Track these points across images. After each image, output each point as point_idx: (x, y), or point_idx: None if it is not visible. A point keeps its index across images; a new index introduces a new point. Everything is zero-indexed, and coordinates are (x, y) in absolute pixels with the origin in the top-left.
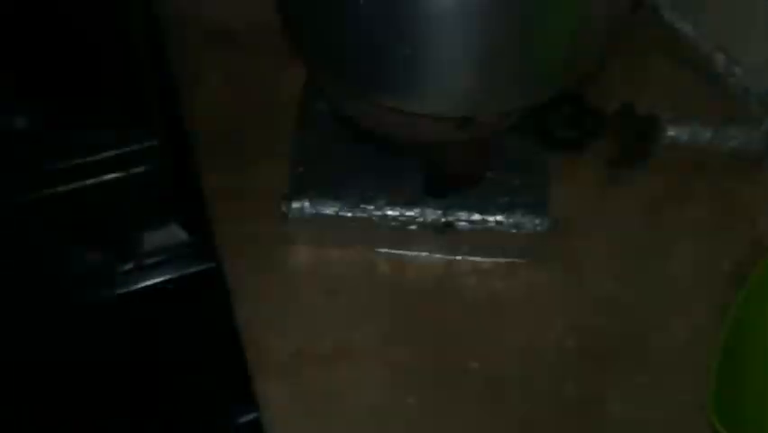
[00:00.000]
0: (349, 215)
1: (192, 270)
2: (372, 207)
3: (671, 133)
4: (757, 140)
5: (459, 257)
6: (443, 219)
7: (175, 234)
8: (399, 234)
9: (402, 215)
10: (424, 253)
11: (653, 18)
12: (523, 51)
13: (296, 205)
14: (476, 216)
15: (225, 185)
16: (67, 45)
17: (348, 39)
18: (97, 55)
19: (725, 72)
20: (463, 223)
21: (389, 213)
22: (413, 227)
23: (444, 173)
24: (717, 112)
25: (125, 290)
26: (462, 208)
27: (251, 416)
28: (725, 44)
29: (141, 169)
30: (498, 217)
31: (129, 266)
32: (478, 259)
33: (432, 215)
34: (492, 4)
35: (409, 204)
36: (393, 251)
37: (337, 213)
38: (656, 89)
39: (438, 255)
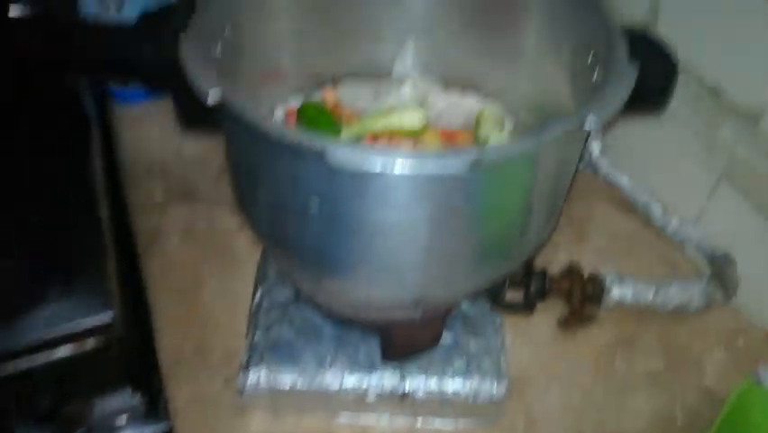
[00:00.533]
0: (306, 385)
1: None
2: (330, 376)
3: (615, 293)
4: (697, 297)
5: (419, 424)
6: (400, 390)
7: (128, 398)
8: (358, 400)
9: (360, 382)
10: (384, 422)
11: (594, 171)
12: (468, 250)
13: (252, 374)
14: (433, 386)
15: (181, 348)
16: (25, 213)
17: (299, 235)
18: (57, 230)
19: (662, 222)
20: (421, 393)
21: (348, 381)
22: (371, 395)
23: (399, 343)
24: (660, 259)
25: None
26: (420, 372)
27: None
28: (661, 196)
29: (96, 342)
30: (456, 385)
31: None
32: (438, 424)
33: (390, 382)
34: (436, 216)
35: (367, 371)
36: (353, 417)
37: (294, 382)
38: (600, 238)
39: (400, 420)
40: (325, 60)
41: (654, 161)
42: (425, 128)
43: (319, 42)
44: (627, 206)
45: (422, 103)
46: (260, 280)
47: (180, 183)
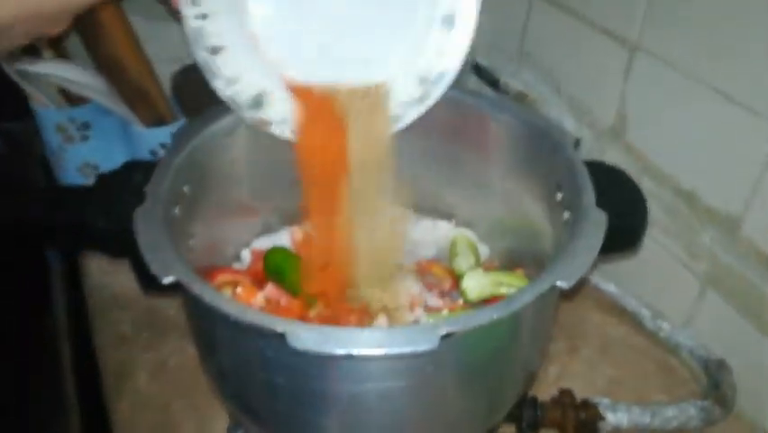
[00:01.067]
0: None
1: None
2: None
3: (611, 420)
4: (696, 416)
5: None
6: None
7: None
8: None
9: None
10: None
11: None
12: (447, 414)
13: None
14: None
15: None
16: None
17: (266, 407)
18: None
19: (653, 327)
20: None
21: None
22: None
23: None
24: (655, 365)
25: None
26: None
27: None
28: (649, 302)
29: None
30: None
31: None
32: None
33: None
34: (410, 387)
35: None
36: None
37: None
38: (592, 347)
39: None
40: (293, 197)
41: (639, 268)
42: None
43: (286, 181)
44: (618, 310)
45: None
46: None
47: (149, 314)
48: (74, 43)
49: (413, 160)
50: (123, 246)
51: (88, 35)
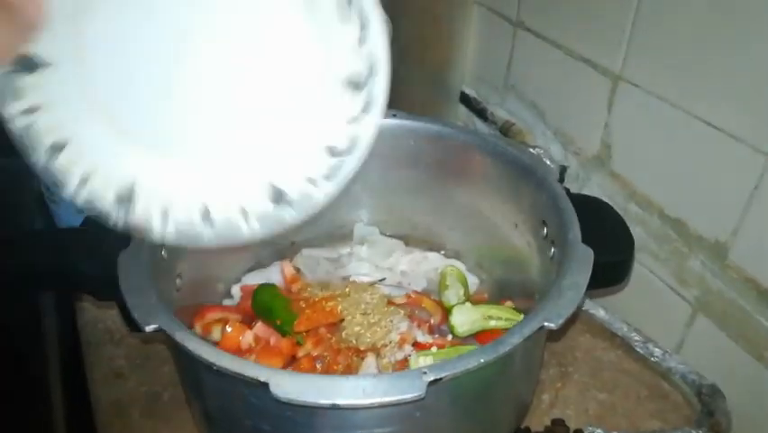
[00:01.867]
0: None
1: None
2: None
3: None
4: None
5: None
6: None
7: None
8: None
9: None
10: None
11: None
12: None
13: None
14: None
15: None
16: None
17: None
18: None
19: (644, 352)
20: None
21: None
22: None
23: None
24: (648, 390)
25: None
26: None
27: None
28: (640, 326)
29: None
30: None
31: None
32: None
33: None
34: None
35: None
36: None
37: None
38: (584, 372)
39: None
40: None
41: (629, 293)
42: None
43: None
44: (609, 335)
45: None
46: None
47: (142, 348)
48: None
49: (403, 192)
50: (109, 290)
51: None
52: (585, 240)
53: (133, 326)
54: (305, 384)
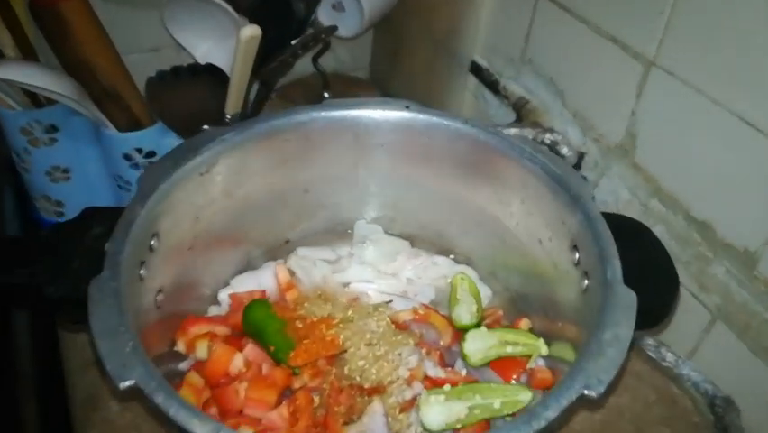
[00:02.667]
0: None
1: None
2: None
3: None
4: None
5: None
6: None
7: None
8: None
9: None
10: None
11: None
12: None
13: None
14: None
15: None
16: None
17: None
18: None
19: (656, 356)
20: None
21: None
22: None
23: None
24: (657, 394)
25: None
26: None
27: None
28: (653, 330)
29: None
30: None
31: None
32: None
33: None
34: None
35: None
36: None
37: None
38: None
39: None
40: (275, 230)
41: None
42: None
43: (267, 213)
44: None
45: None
46: None
47: None
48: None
49: (412, 188)
50: (77, 316)
51: (52, 34)
52: (624, 276)
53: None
54: None
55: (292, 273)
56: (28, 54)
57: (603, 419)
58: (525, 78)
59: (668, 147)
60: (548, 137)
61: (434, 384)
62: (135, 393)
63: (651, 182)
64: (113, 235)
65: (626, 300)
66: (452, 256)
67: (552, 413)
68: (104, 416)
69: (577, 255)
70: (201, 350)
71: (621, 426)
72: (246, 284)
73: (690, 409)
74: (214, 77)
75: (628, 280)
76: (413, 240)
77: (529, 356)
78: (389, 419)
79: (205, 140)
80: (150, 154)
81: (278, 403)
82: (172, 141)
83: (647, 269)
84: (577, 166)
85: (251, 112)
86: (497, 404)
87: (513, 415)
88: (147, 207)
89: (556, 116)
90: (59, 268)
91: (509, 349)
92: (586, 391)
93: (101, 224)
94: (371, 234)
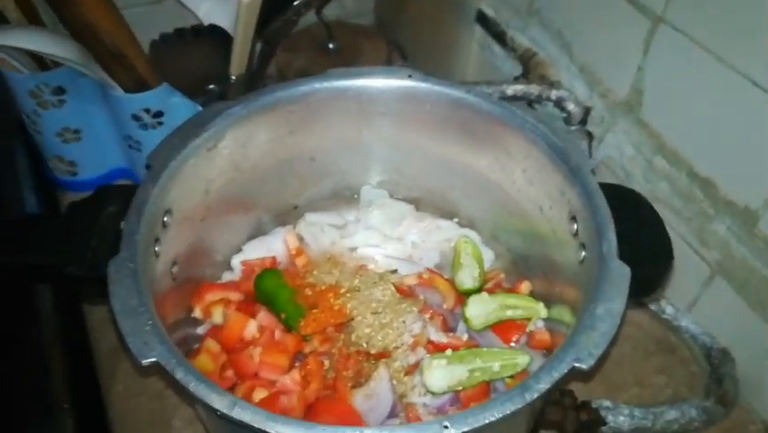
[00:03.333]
0: None
1: None
2: None
3: (611, 423)
4: (697, 419)
5: None
6: None
7: None
8: None
9: None
10: None
11: None
12: None
13: None
14: None
15: None
16: None
17: None
18: None
19: (656, 308)
20: None
21: None
22: None
23: None
24: (657, 344)
25: None
26: None
27: None
28: None
29: None
30: None
31: None
32: None
33: None
34: None
35: None
36: None
37: None
38: None
39: None
40: (284, 196)
41: None
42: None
43: (276, 181)
44: None
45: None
46: None
47: None
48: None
49: (417, 154)
50: (97, 292)
51: None
52: (619, 247)
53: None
54: None
55: (301, 239)
56: (32, 19)
57: (605, 367)
58: (532, 30)
59: (673, 104)
60: (554, 93)
61: (436, 349)
62: (156, 369)
63: (655, 139)
64: (127, 216)
65: (620, 276)
66: (455, 220)
67: (544, 385)
68: (127, 369)
69: (575, 226)
70: (217, 315)
71: (622, 375)
72: (257, 250)
73: (688, 360)
74: (217, 38)
75: (623, 253)
76: (418, 204)
77: (529, 319)
78: (395, 382)
79: (211, 115)
80: (158, 114)
81: (291, 367)
82: (179, 101)
83: (643, 241)
84: (583, 121)
85: (255, 71)
86: (496, 367)
87: (512, 377)
88: (159, 186)
89: (563, 70)
90: (78, 248)
91: (509, 313)
92: (577, 364)
93: (115, 202)
94: (377, 199)
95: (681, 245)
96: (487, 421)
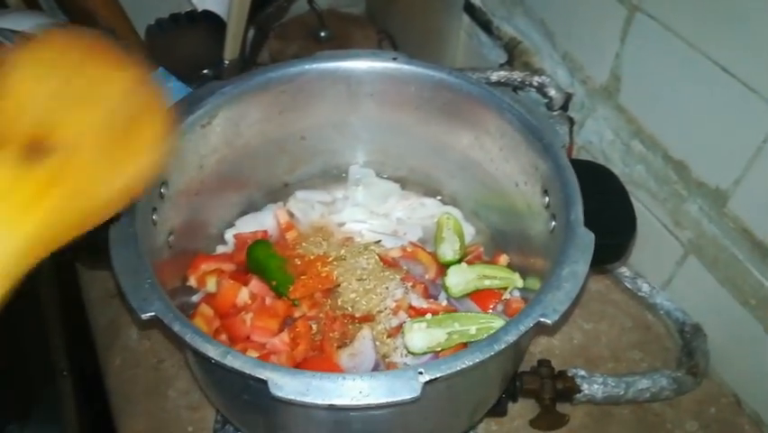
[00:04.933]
0: None
1: None
2: None
3: (586, 391)
4: (667, 388)
5: None
6: None
7: None
8: None
9: None
10: None
11: None
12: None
13: None
14: None
15: None
16: None
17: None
18: None
19: (633, 286)
20: None
21: None
22: None
23: None
24: (632, 321)
25: None
26: None
27: None
28: (630, 261)
29: None
30: None
31: None
32: None
33: None
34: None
35: None
36: None
37: None
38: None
39: None
40: (275, 173)
41: None
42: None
43: (268, 159)
44: (598, 267)
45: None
46: None
47: None
48: None
49: (401, 134)
50: (97, 258)
51: None
52: (586, 216)
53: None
54: (303, 384)
55: (291, 215)
56: (30, 3)
57: (582, 343)
58: (517, 20)
59: (649, 90)
60: (536, 79)
61: (417, 313)
62: (155, 323)
63: (633, 123)
64: None
65: (585, 241)
66: (439, 198)
67: (511, 337)
68: (124, 343)
69: (547, 199)
70: (211, 284)
71: (598, 350)
72: (249, 225)
73: (663, 335)
74: (211, 23)
75: (590, 222)
76: (403, 183)
77: (506, 288)
78: (378, 343)
79: (205, 93)
80: None
81: (281, 330)
82: (175, 85)
83: (609, 212)
84: (564, 107)
85: (248, 56)
86: (473, 330)
87: None
88: None
89: (546, 58)
90: None
91: (487, 282)
92: (542, 319)
93: None
94: (365, 178)
95: (657, 226)
96: (459, 368)
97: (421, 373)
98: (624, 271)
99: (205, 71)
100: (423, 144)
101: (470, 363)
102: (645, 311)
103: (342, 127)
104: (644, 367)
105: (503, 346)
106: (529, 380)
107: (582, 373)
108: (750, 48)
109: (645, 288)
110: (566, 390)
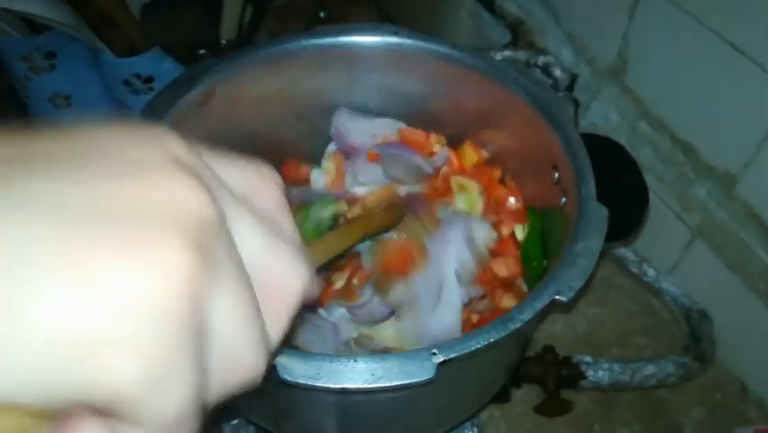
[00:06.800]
0: None
1: None
2: None
3: (591, 378)
4: (674, 374)
5: None
6: None
7: None
8: None
9: None
10: None
11: None
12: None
13: None
14: None
15: None
16: None
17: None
18: None
19: (638, 271)
20: None
21: None
22: None
23: None
24: (638, 305)
25: None
26: None
27: None
28: (635, 245)
29: None
30: None
31: None
32: None
33: None
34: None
35: None
36: None
37: None
38: None
39: None
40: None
41: None
42: None
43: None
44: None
45: None
46: None
47: None
48: None
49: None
50: None
51: None
52: (597, 192)
53: None
54: (313, 367)
55: None
56: None
57: (587, 328)
58: None
59: (657, 70)
60: (541, 59)
61: None
62: None
63: (640, 105)
64: None
65: (598, 215)
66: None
67: (527, 315)
68: None
69: (556, 174)
70: None
71: (604, 335)
72: None
73: (669, 321)
74: (208, 3)
75: (602, 197)
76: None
77: None
78: None
79: (201, 71)
80: (149, 80)
81: None
82: (170, 66)
83: (621, 186)
84: (569, 88)
85: (246, 36)
86: None
87: None
88: None
89: (550, 37)
90: None
91: None
92: (558, 297)
93: None
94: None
95: (664, 210)
96: (473, 348)
97: (434, 353)
98: (630, 255)
99: (201, 51)
100: (421, 118)
101: (485, 343)
102: (651, 297)
103: (342, 105)
104: (650, 353)
105: (518, 325)
106: (533, 366)
107: (588, 359)
108: (763, 26)
109: (651, 273)
110: (571, 376)
